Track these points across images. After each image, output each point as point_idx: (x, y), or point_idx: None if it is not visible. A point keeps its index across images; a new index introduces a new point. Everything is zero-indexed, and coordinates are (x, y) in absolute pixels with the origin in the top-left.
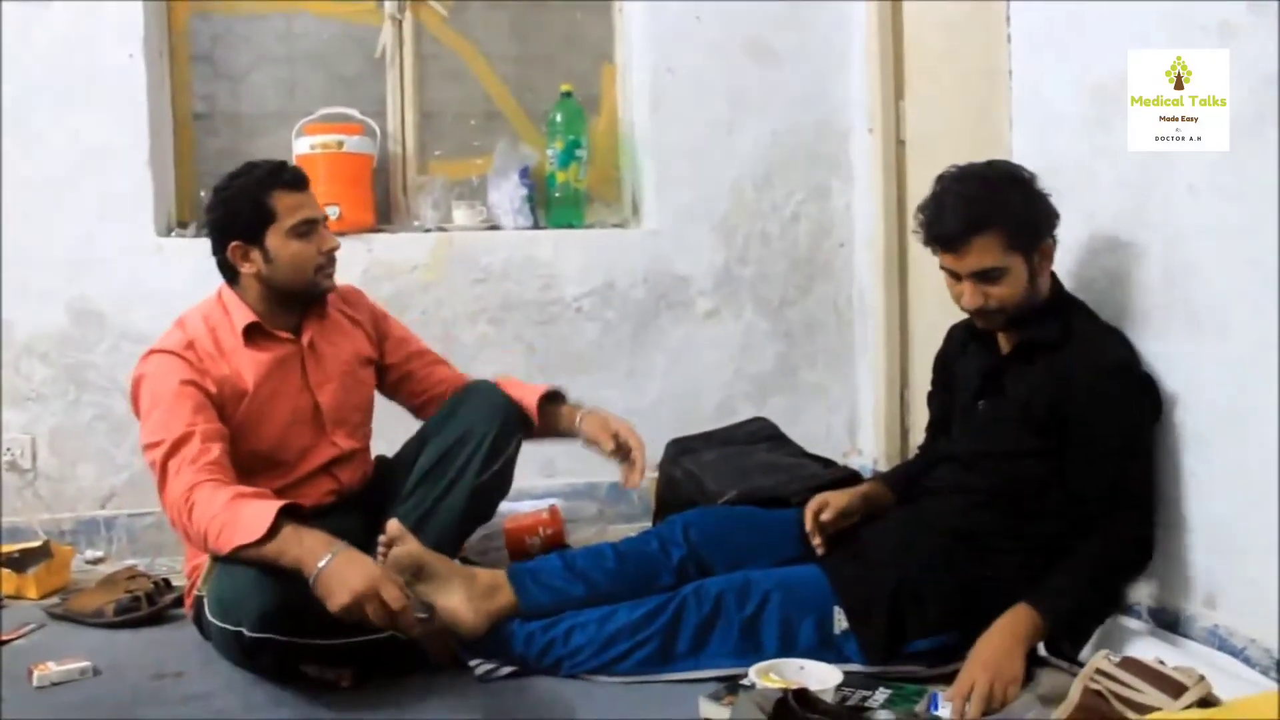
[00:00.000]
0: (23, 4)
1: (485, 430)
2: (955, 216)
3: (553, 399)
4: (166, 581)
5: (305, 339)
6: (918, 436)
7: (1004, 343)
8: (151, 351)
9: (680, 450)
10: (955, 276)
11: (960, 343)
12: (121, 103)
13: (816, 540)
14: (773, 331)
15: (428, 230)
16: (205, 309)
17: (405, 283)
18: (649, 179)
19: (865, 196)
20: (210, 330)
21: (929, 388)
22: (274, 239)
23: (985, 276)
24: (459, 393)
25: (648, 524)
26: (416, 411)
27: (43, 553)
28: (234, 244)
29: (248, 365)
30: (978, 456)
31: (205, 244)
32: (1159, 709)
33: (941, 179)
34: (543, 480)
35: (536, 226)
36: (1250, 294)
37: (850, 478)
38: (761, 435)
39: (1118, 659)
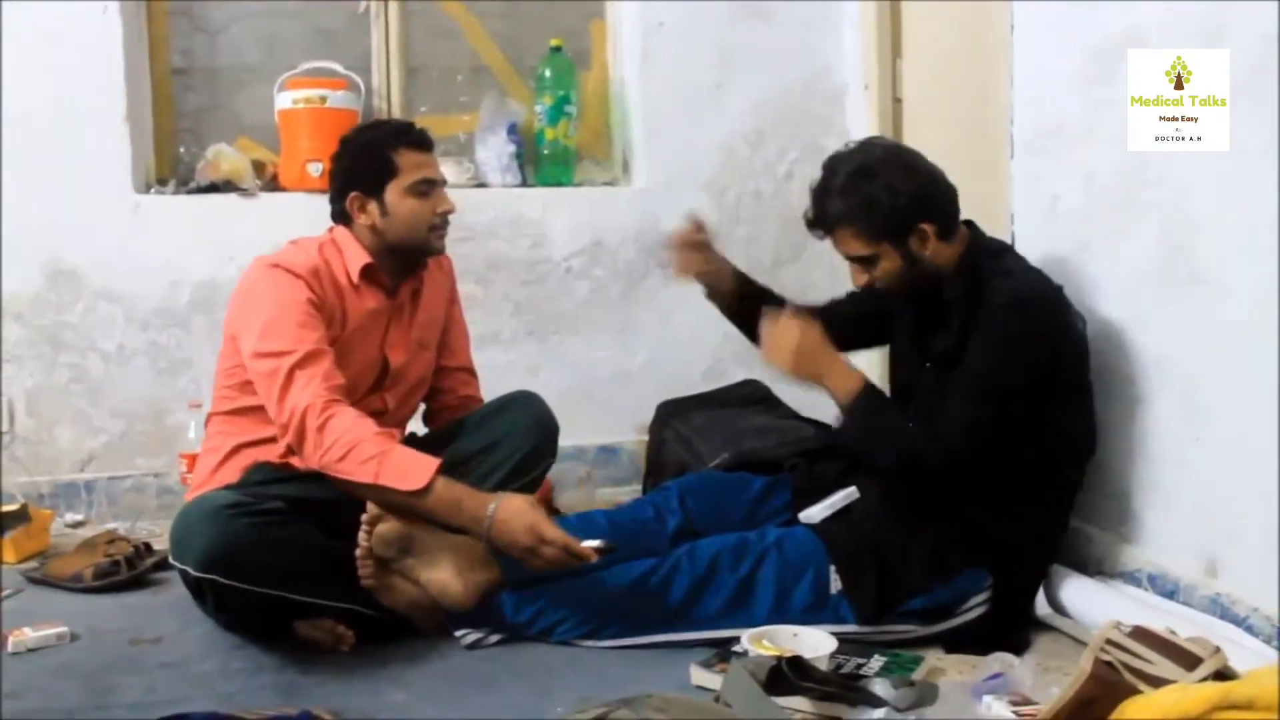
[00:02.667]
0: None
1: (519, 445)
2: (815, 211)
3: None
4: (147, 545)
5: (399, 298)
6: None
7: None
8: (274, 265)
9: (671, 412)
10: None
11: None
12: (97, 57)
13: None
14: None
15: None
16: (320, 242)
17: None
18: (639, 136)
19: None
20: (326, 263)
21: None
22: (393, 194)
23: (860, 261)
24: (504, 397)
25: (637, 487)
26: (426, 416)
27: (21, 516)
28: (353, 194)
29: (350, 308)
30: (920, 412)
31: (184, 201)
32: (1173, 681)
33: (825, 164)
34: None
35: (525, 184)
36: (1251, 254)
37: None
38: (754, 397)
39: (1128, 629)
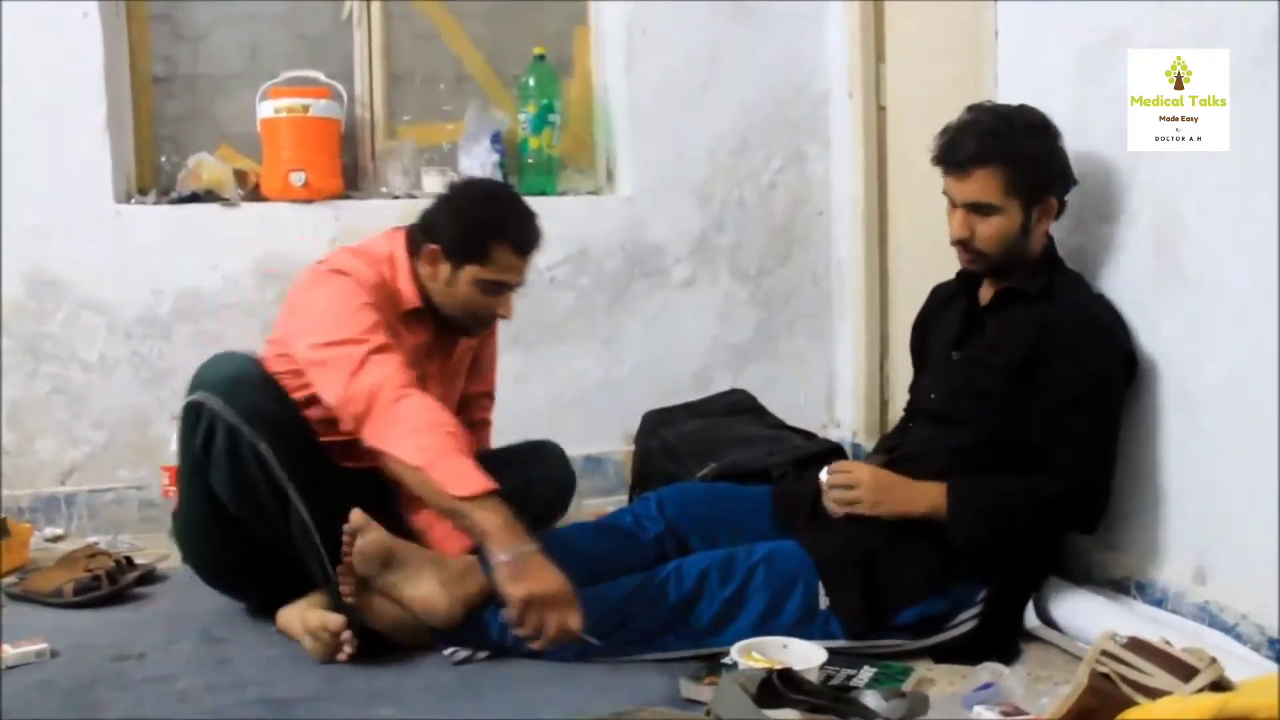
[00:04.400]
0: None
1: (544, 504)
2: (967, 142)
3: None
4: (128, 559)
5: (440, 338)
6: (897, 408)
7: (985, 293)
8: (338, 270)
9: (657, 422)
10: (953, 204)
11: (942, 300)
12: (77, 64)
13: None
14: (750, 300)
15: (396, 197)
16: (379, 260)
17: None
18: (623, 144)
19: (844, 163)
20: (384, 284)
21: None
22: (466, 275)
23: (978, 210)
24: (534, 446)
25: (623, 497)
26: None
27: None
28: (435, 247)
29: (396, 337)
30: (951, 407)
31: (166, 211)
32: (1169, 692)
33: (972, 108)
34: None
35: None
36: (1242, 254)
37: (832, 451)
38: (740, 407)
39: (1124, 640)
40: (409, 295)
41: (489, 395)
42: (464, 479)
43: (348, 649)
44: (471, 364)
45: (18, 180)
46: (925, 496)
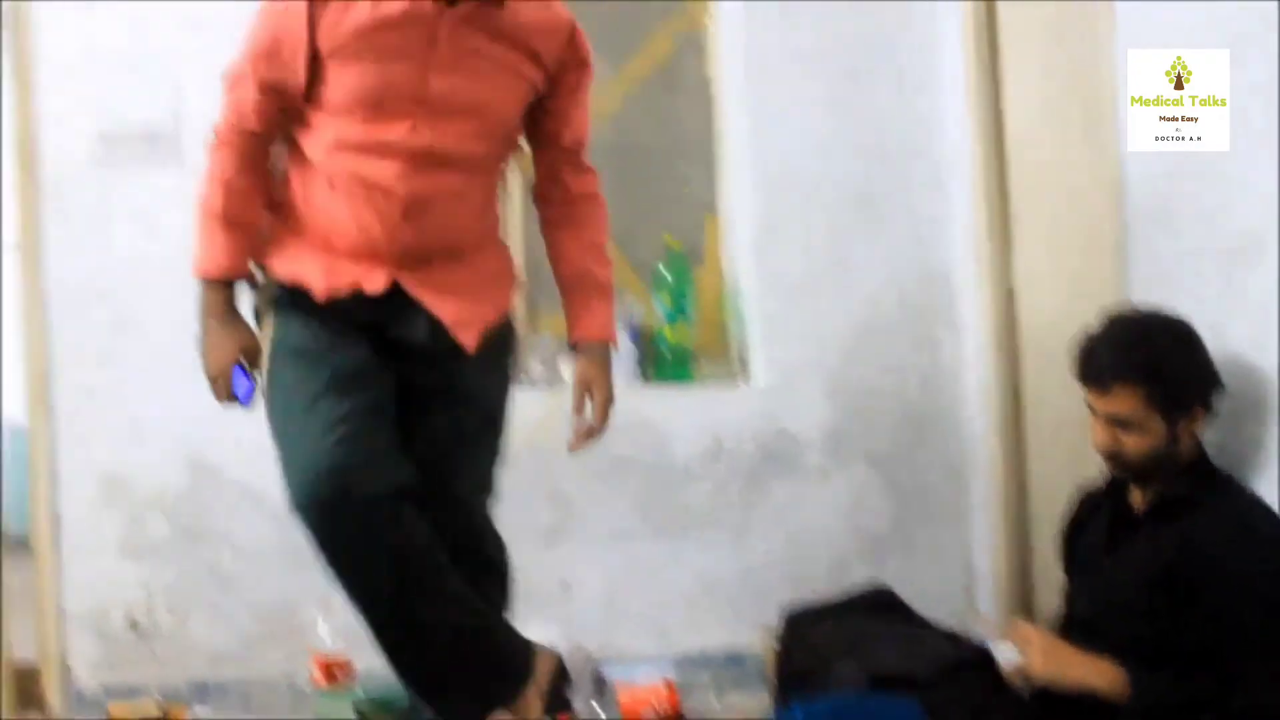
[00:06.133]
0: None
1: None
2: (1105, 358)
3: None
4: None
5: (453, 11)
6: (1040, 599)
7: (1138, 501)
8: None
9: (798, 620)
10: (1094, 413)
11: (1089, 508)
12: None
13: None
14: (884, 489)
15: (536, 387)
16: None
17: (515, 440)
18: (755, 334)
19: (975, 349)
20: None
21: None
22: None
23: (1121, 424)
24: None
25: (763, 692)
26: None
27: (155, 715)
28: None
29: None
30: (1100, 618)
31: None
32: None
33: (1108, 316)
34: (654, 645)
35: (645, 383)
36: None
37: (981, 656)
38: (883, 604)
39: None
40: None
41: (581, 145)
42: (205, 255)
43: None
44: (555, 109)
45: (183, 371)
46: (1103, 674)
